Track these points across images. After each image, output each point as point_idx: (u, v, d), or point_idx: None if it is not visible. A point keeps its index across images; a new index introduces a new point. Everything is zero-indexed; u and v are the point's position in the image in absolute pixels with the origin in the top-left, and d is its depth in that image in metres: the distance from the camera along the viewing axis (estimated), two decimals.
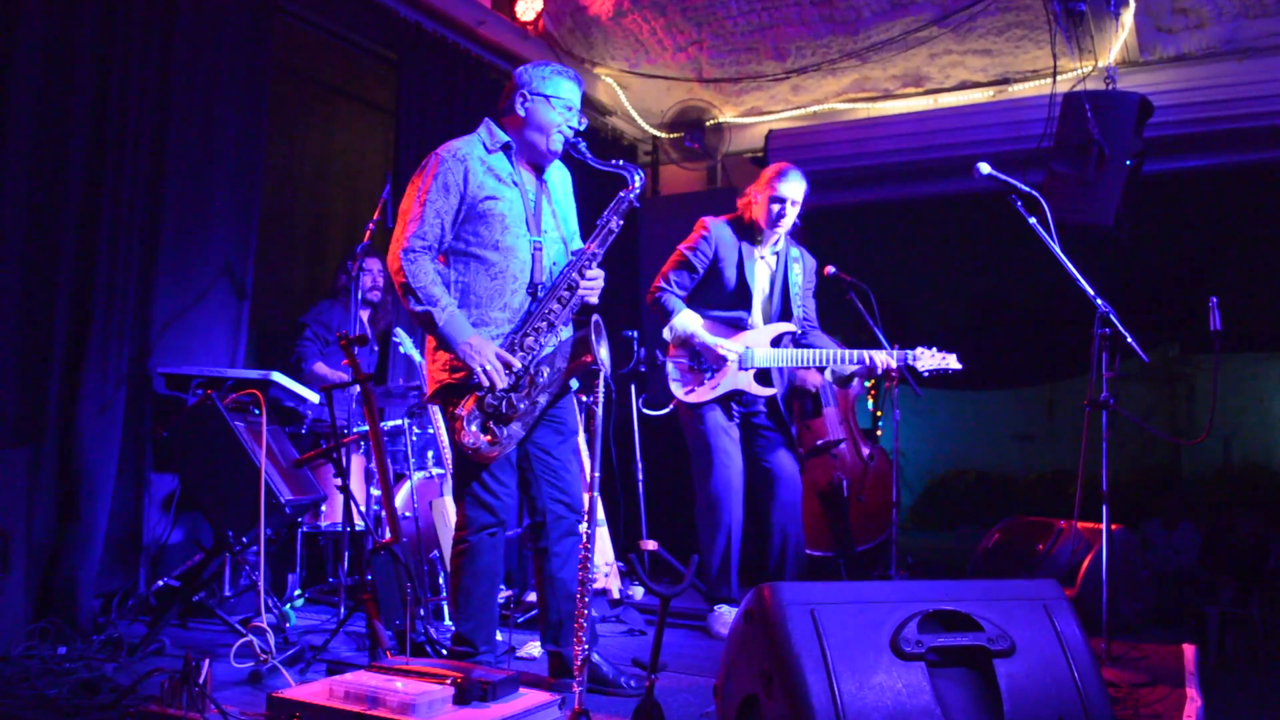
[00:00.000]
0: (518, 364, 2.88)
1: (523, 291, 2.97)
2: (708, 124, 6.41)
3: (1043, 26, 5.28)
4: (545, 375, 2.92)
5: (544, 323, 2.94)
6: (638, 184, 3.03)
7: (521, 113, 3.01)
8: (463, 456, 2.93)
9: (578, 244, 3.18)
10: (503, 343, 2.92)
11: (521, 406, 2.89)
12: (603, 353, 2.89)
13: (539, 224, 3.02)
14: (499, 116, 3.08)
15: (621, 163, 3.01)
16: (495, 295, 2.95)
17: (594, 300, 3.00)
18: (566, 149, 3.03)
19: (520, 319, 2.96)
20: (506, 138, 3.03)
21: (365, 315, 4.80)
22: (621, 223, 3.02)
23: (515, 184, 3.00)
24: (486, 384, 2.85)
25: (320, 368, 4.64)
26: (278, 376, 3.87)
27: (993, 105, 5.77)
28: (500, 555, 3.04)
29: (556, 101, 3.00)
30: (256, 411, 3.51)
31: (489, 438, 2.87)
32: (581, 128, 3.05)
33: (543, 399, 2.95)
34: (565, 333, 3.03)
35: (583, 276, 2.96)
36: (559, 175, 3.19)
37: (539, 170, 3.10)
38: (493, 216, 2.93)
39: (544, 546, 3.04)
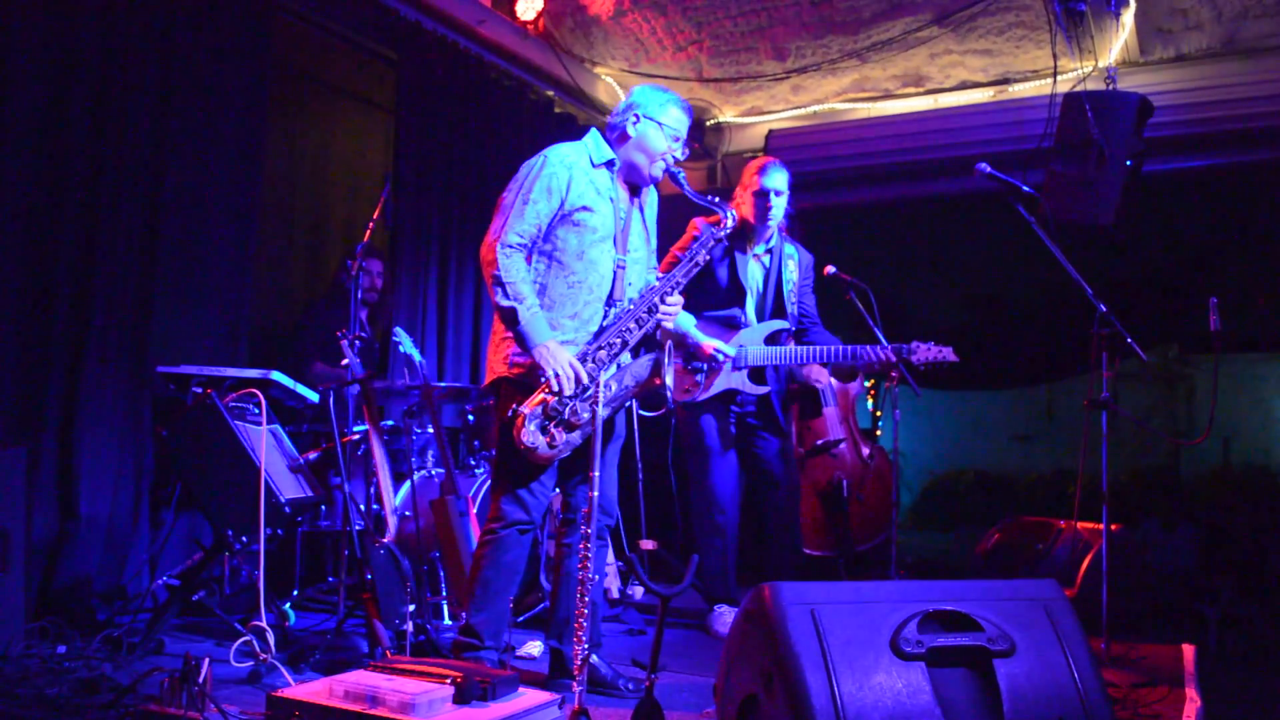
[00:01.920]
0: (585, 378, 2.89)
1: (596, 304, 2.99)
2: (708, 124, 6.41)
3: (1043, 27, 5.28)
4: (612, 391, 2.93)
5: (619, 340, 2.96)
6: (729, 223, 3.11)
7: (632, 133, 3.03)
8: (513, 452, 2.91)
9: (653, 262, 3.23)
10: (577, 353, 2.93)
11: (584, 416, 2.89)
12: (669, 379, 2.93)
13: (626, 243, 3.05)
14: (605, 129, 3.09)
15: (717, 200, 3.06)
16: (568, 302, 2.96)
17: (670, 326, 3.06)
18: (665, 175, 3.06)
19: (594, 331, 2.97)
20: (612, 154, 3.04)
21: (363, 316, 4.79)
22: (709, 258, 3.09)
23: (611, 200, 3.02)
24: (555, 388, 2.85)
25: (321, 366, 4.63)
26: (278, 375, 3.86)
27: (993, 105, 5.76)
28: (525, 554, 3.04)
29: (667, 129, 3.02)
30: (256, 410, 3.50)
31: (547, 439, 2.87)
32: (684, 158, 3.08)
33: (605, 413, 2.95)
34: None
35: (663, 302, 2.99)
36: (649, 195, 3.21)
37: (634, 189, 3.11)
38: (584, 227, 2.95)
39: (568, 543, 3.06)
